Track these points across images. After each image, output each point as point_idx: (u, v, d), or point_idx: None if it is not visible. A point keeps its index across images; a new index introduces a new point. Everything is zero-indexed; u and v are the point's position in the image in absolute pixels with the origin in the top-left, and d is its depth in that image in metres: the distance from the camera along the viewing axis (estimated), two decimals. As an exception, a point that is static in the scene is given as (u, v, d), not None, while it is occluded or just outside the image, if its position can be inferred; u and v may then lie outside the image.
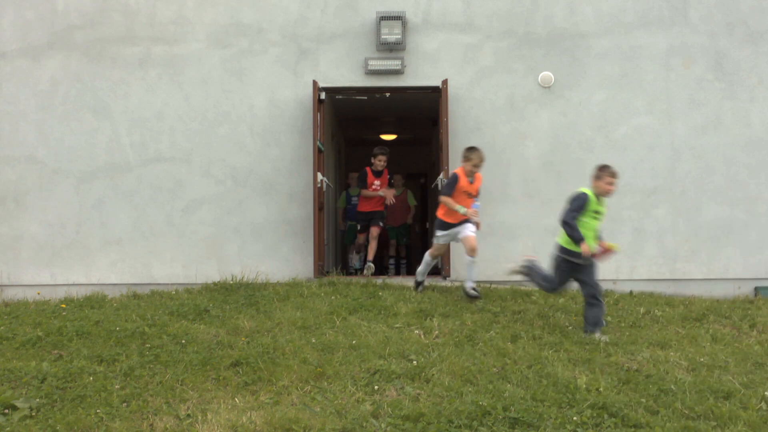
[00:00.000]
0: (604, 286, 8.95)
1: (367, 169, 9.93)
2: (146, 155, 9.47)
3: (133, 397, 5.04)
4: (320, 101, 9.48)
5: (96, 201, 9.42)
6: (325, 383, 5.32)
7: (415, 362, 5.68)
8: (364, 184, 9.92)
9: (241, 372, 5.50)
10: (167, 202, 9.44)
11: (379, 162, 9.82)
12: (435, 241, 8.12)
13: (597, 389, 5.19)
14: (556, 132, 9.51)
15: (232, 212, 9.44)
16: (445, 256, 9.36)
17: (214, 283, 8.52)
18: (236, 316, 6.93)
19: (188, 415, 4.81)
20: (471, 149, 7.87)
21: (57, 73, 9.51)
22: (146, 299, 7.91)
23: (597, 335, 6.49)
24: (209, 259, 9.35)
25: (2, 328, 6.50)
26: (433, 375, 5.45)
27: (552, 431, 4.58)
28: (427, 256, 8.20)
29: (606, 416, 4.78)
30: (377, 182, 9.89)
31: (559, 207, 9.56)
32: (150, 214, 9.42)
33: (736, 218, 9.41)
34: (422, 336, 6.43)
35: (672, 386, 5.29)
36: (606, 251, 6.76)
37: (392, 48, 9.49)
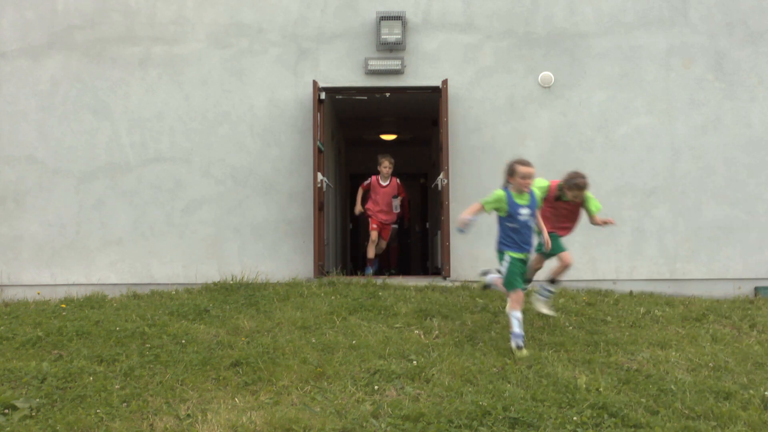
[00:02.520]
0: (604, 286, 8.99)
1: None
2: (146, 155, 9.47)
3: (133, 397, 5.04)
4: (320, 101, 9.48)
5: (96, 201, 9.42)
6: (325, 383, 5.32)
7: (415, 362, 5.68)
8: None
9: (241, 372, 5.50)
10: (167, 202, 9.44)
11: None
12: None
13: (597, 389, 5.19)
14: (556, 132, 9.51)
15: (232, 212, 9.44)
16: (445, 255, 9.37)
17: (214, 283, 8.52)
18: (236, 316, 6.93)
19: (188, 415, 4.80)
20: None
21: (57, 73, 9.51)
22: (146, 299, 7.90)
23: None
24: (209, 259, 9.34)
25: (2, 328, 6.50)
26: (433, 375, 5.45)
27: (552, 431, 4.58)
28: None
29: (606, 416, 4.78)
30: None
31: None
32: (150, 214, 9.42)
33: (736, 218, 9.41)
34: (422, 336, 6.43)
35: (672, 386, 5.29)
36: None
37: (392, 48, 9.49)
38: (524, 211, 6.35)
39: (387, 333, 6.42)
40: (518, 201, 6.35)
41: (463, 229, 6.32)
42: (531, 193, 6.43)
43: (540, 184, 6.96)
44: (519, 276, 6.32)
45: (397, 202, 9.92)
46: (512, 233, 6.34)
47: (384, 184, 9.99)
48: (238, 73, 9.55)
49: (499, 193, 6.39)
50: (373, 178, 10.01)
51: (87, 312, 7.11)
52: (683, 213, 9.44)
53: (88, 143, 9.47)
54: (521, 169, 6.33)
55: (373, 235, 10.03)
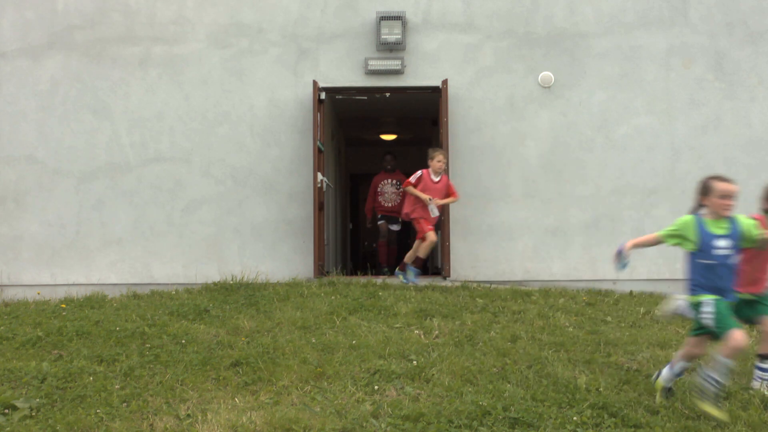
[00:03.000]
0: (604, 286, 8.99)
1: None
2: (146, 155, 9.47)
3: (133, 397, 5.03)
4: (320, 101, 9.48)
5: (96, 201, 9.42)
6: (325, 383, 5.32)
7: (415, 362, 5.68)
8: None
9: (241, 372, 5.50)
10: (167, 202, 9.44)
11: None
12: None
13: (597, 389, 5.18)
14: (556, 132, 9.51)
15: (232, 212, 9.43)
16: (445, 255, 9.35)
17: (214, 283, 8.52)
18: (236, 316, 6.92)
19: (188, 415, 4.80)
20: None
21: (57, 73, 9.51)
22: (146, 299, 7.90)
23: None
24: (209, 259, 9.34)
25: (2, 328, 6.50)
26: (433, 375, 5.44)
27: (552, 431, 4.57)
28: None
29: (606, 416, 4.77)
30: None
31: (559, 207, 9.62)
32: (150, 214, 9.42)
33: (736, 218, 9.40)
34: (422, 336, 6.43)
35: (672, 386, 5.28)
36: None
37: (392, 48, 9.49)
38: (722, 243, 4.84)
39: (387, 333, 6.41)
40: (713, 230, 4.91)
41: (619, 264, 5.17)
42: (733, 221, 4.93)
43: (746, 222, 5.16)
44: (731, 316, 4.75)
45: (434, 206, 8.81)
46: (707, 272, 4.85)
47: (436, 180, 8.85)
48: (238, 73, 9.55)
49: (686, 218, 5.10)
50: (424, 171, 8.87)
51: (87, 312, 7.11)
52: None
53: (88, 143, 9.47)
54: (719, 185, 4.91)
55: (432, 235, 8.77)
